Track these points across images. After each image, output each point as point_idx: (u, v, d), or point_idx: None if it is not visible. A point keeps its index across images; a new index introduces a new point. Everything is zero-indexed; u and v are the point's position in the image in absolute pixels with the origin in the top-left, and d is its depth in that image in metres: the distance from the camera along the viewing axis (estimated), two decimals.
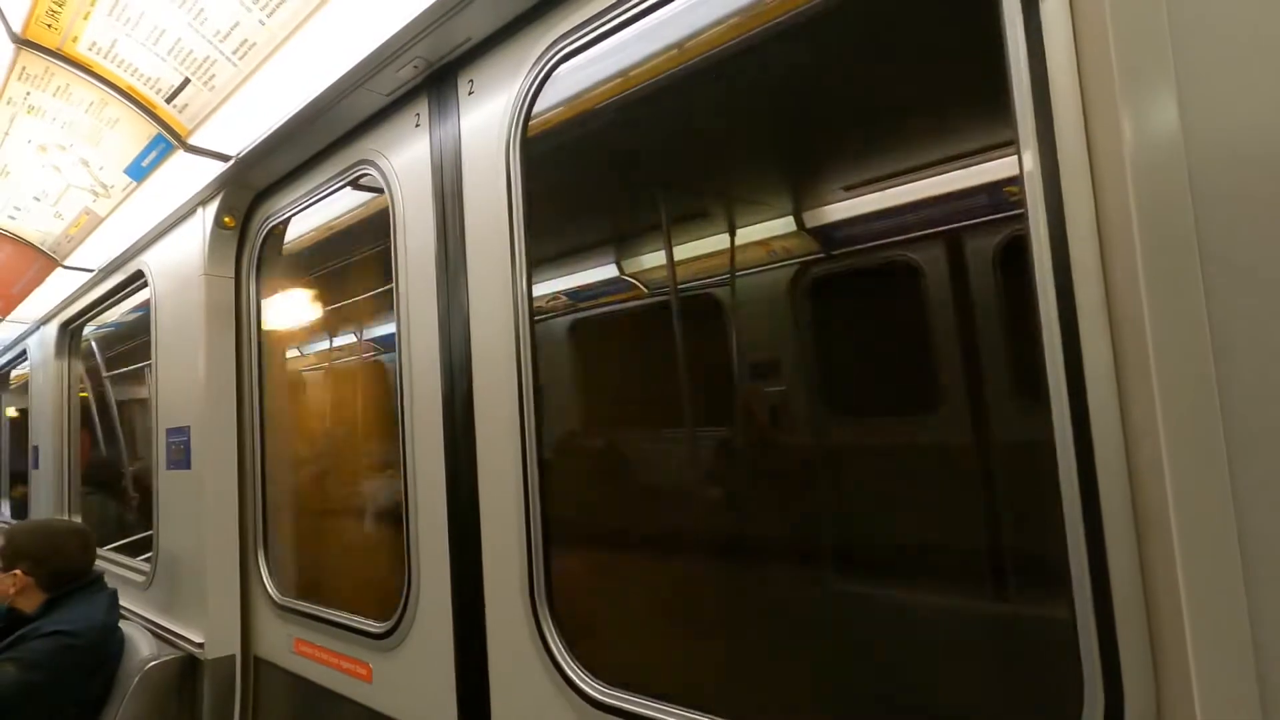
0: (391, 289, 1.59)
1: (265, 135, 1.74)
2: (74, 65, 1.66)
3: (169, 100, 1.70)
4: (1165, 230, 0.63)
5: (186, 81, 1.63)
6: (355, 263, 2.09)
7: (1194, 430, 0.61)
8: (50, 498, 3.45)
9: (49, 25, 1.54)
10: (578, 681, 1.17)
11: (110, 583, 2.09)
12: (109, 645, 1.95)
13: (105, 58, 1.64)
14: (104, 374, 3.46)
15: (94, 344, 3.50)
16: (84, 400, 3.53)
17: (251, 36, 1.43)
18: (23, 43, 1.58)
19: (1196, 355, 0.61)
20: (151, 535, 2.34)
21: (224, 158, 1.88)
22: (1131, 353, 0.67)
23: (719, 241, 1.25)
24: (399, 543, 1.52)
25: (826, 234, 1.15)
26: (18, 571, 1.91)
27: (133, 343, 3.23)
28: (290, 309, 2.22)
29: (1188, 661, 0.62)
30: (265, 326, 2.13)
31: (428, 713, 1.44)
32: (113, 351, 3.47)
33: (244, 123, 1.73)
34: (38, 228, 2.64)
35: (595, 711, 1.13)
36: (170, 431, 2.23)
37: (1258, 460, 0.59)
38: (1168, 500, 0.63)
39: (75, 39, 1.58)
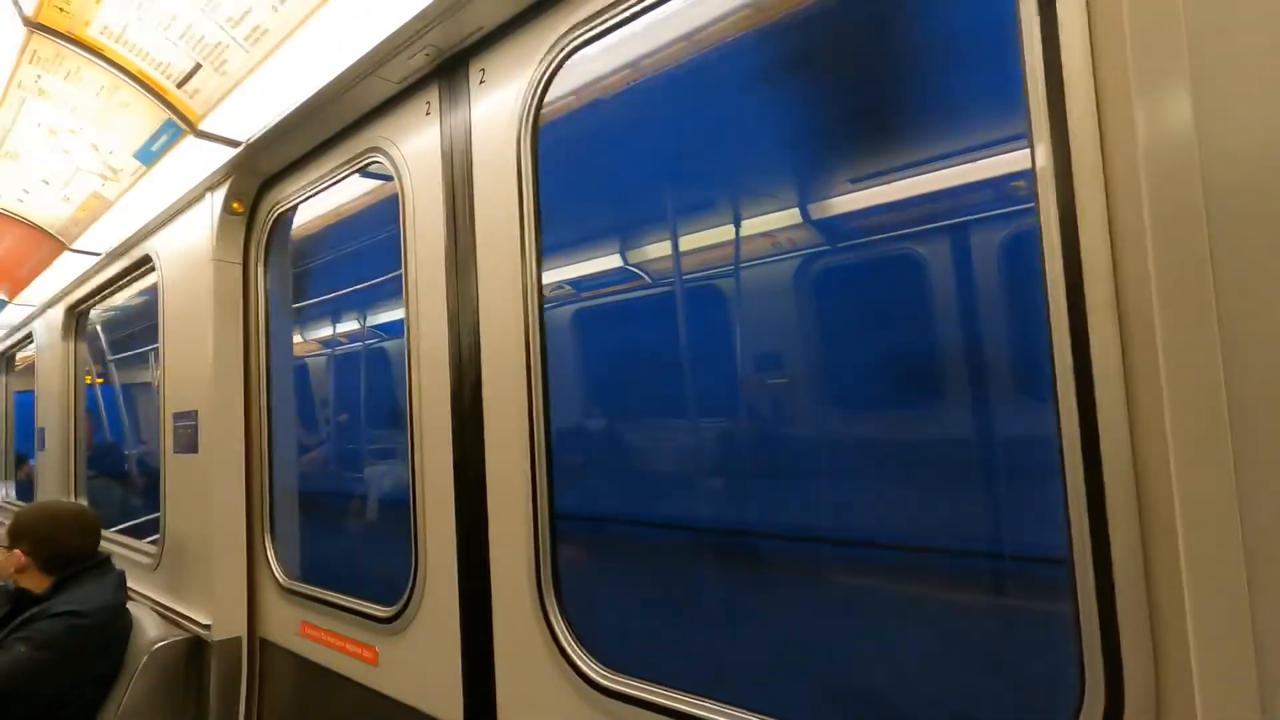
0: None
1: (275, 122, 1.73)
2: (85, 49, 1.66)
3: (180, 85, 1.70)
4: (1177, 228, 0.63)
5: (198, 67, 1.62)
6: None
7: (1201, 428, 0.62)
8: (56, 480, 3.47)
9: (61, 9, 1.54)
10: (583, 667, 1.18)
11: (117, 565, 2.11)
12: (117, 625, 1.97)
13: (117, 42, 1.64)
14: (109, 357, 3.47)
15: (99, 327, 3.50)
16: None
17: (264, 23, 1.43)
18: (35, 26, 1.58)
19: (1206, 354, 0.61)
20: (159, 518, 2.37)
21: (233, 143, 1.88)
22: (1140, 350, 0.68)
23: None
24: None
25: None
26: (18, 551, 1.94)
27: (139, 326, 3.24)
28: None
29: (1189, 657, 0.62)
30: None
31: (433, 696, 1.46)
32: (118, 335, 3.48)
33: (254, 109, 1.73)
34: (46, 211, 2.64)
35: (599, 696, 1.15)
36: (177, 416, 2.24)
37: (1264, 459, 0.59)
38: (1173, 497, 0.63)
39: (87, 22, 1.58)
